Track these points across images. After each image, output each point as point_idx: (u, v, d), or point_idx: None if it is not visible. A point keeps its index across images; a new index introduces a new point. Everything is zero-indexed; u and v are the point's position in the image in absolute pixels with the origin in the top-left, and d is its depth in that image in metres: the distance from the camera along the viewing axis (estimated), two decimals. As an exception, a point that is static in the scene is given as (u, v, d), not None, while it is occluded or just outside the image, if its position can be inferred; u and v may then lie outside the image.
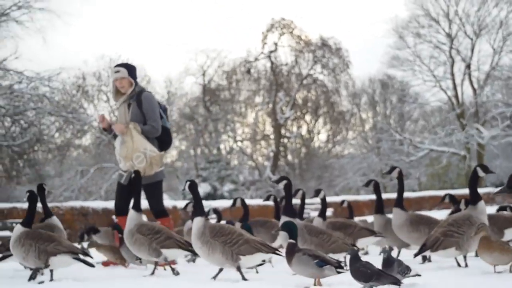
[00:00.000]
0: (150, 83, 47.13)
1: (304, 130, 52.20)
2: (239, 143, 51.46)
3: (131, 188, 8.46)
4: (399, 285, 5.42)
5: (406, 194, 35.46)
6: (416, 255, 7.33)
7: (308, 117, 52.09)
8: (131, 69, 8.80)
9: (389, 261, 5.68)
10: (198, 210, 7.00)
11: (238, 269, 6.68)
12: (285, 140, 50.60)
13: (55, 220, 8.60)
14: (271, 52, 49.06)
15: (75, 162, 43.95)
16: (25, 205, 20.96)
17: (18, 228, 7.04)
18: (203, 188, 39.92)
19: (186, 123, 49.98)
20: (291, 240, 6.10)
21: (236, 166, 47.70)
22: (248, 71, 49.20)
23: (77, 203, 26.96)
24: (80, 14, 66.25)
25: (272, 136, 50.40)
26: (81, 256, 6.88)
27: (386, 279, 5.40)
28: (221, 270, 6.86)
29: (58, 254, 6.82)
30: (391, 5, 72.02)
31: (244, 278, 6.63)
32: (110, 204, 22.79)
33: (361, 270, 5.45)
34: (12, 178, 34.23)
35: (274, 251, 6.74)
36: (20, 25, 30.24)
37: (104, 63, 44.10)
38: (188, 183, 7.22)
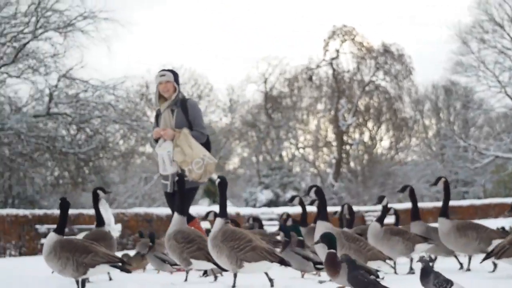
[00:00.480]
0: (212, 91, 47.63)
1: (366, 137, 51.89)
2: (301, 150, 51.49)
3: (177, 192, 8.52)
4: None
5: (472, 202, 35.07)
6: (482, 261, 7.32)
7: (370, 124, 51.78)
8: (176, 75, 8.87)
9: (426, 271, 5.37)
10: (221, 211, 7.09)
11: (235, 275, 6.79)
12: (347, 147, 50.38)
13: (105, 228, 8.96)
14: (332, 59, 48.97)
15: (139, 169, 44.64)
16: (92, 211, 21.45)
17: (52, 237, 7.00)
18: (265, 195, 40.10)
19: (248, 130, 50.22)
20: (331, 250, 5.94)
21: (298, 173, 47.76)
22: (310, 78, 49.21)
23: (141, 210, 27.46)
24: (143, 23, 67.33)
25: (334, 143, 50.22)
26: (118, 264, 6.91)
27: None
28: (235, 275, 6.90)
29: (96, 265, 6.85)
30: (454, 10, 70.97)
31: (233, 286, 6.74)
32: (173, 210, 23.02)
33: (359, 278, 5.49)
34: (78, 184, 34.91)
35: (281, 259, 6.77)
36: (86, 35, 30.87)
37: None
38: (218, 180, 7.22)
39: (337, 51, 48.94)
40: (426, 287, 5.35)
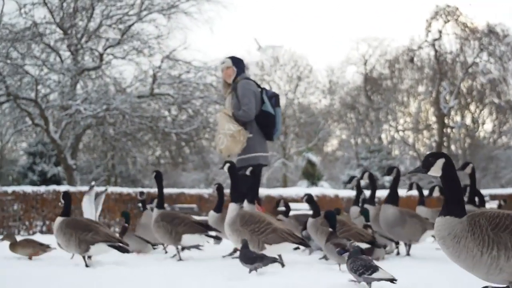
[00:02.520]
0: (312, 72, 47.47)
1: (468, 120, 50.66)
2: (401, 133, 50.75)
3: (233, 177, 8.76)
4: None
5: None
6: None
7: (472, 107, 50.49)
8: (235, 61, 9.22)
9: (349, 255, 5.47)
10: (234, 196, 7.11)
11: None
12: (449, 130, 49.30)
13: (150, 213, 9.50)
14: (435, 40, 47.83)
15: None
16: (192, 191, 21.74)
17: (58, 219, 7.61)
18: (364, 178, 39.75)
19: (347, 112, 49.87)
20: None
21: (397, 156, 47.11)
22: (411, 60, 48.28)
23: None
24: (244, 4, 67.56)
25: (435, 126, 49.24)
26: (116, 244, 7.28)
27: (268, 261, 5.95)
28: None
29: (95, 243, 7.28)
30: None
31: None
32: (272, 191, 23.21)
33: (247, 255, 6.03)
34: (178, 164, 35.62)
35: (302, 241, 6.77)
36: (189, 17, 31.37)
37: (266, 53, 44.88)
38: (228, 164, 7.33)
39: (440, 31, 47.74)
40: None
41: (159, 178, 8.25)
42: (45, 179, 30.84)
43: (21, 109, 29.03)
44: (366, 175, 9.23)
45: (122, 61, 31.93)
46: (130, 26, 30.67)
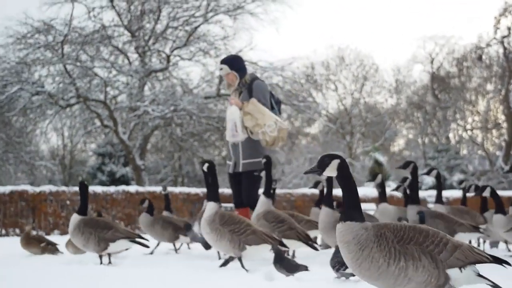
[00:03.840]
0: (378, 71, 47.07)
1: (539, 118, 49.43)
2: (469, 132, 49.85)
3: (238, 178, 8.82)
4: None
5: None
6: None
7: (543, 105, 49.25)
8: (232, 63, 9.00)
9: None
10: (211, 195, 6.97)
11: (239, 259, 6.75)
12: (518, 129, 48.22)
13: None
14: (504, 37, 46.84)
15: (304, 150, 44.99)
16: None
17: (75, 217, 7.58)
18: (432, 178, 39.19)
19: (414, 112, 49.23)
20: None
21: (465, 156, 46.30)
22: (480, 58, 47.37)
23: (308, 190, 27.65)
24: (309, 4, 67.48)
25: (504, 125, 48.22)
26: (137, 239, 7.45)
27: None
28: (230, 258, 6.98)
29: (117, 240, 7.39)
30: None
31: (243, 267, 6.68)
32: (339, 192, 23.02)
33: (290, 263, 6.04)
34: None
35: (280, 242, 6.70)
36: (255, 17, 31.43)
37: (332, 52, 44.85)
38: (206, 164, 7.15)
39: (509, 28, 46.72)
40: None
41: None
42: (113, 180, 31.35)
43: (91, 110, 29.59)
44: (434, 172, 8.89)
45: (189, 62, 32.18)
46: (196, 28, 30.92)
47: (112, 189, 20.74)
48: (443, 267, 3.92)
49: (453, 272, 3.96)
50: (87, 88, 29.44)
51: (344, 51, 46.33)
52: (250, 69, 30.67)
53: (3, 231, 18.24)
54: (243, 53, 30.80)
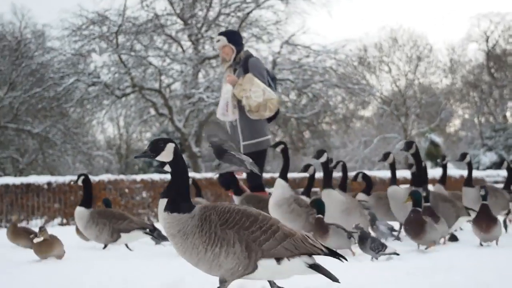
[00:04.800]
0: (432, 51, 46.45)
1: None
2: (527, 110, 48.92)
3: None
4: None
5: None
6: None
7: None
8: (231, 36, 8.78)
9: (363, 237, 5.88)
10: (283, 173, 7.15)
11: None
12: None
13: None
14: (562, 11, 45.84)
15: (359, 133, 44.73)
16: (321, 174, 21.79)
17: (83, 210, 7.64)
18: (489, 157, 38.60)
19: (470, 91, 48.46)
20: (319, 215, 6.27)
21: (524, 135, 45.46)
22: (537, 34, 46.41)
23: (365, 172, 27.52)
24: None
25: None
26: (151, 231, 7.59)
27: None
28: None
29: (132, 230, 7.52)
30: None
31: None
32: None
33: (377, 241, 5.97)
34: (299, 149, 35.66)
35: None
36: (307, 1, 31.30)
37: (385, 34, 44.44)
38: (281, 146, 7.19)
39: None
40: (364, 251, 5.87)
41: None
42: (170, 167, 31.52)
43: (146, 99, 29.85)
44: (467, 157, 8.40)
45: (242, 48, 32.16)
46: (248, 14, 30.87)
47: (169, 176, 20.88)
48: (256, 257, 3.76)
49: (269, 262, 3.80)
50: (142, 77, 29.70)
51: (397, 32, 45.86)
52: (303, 52, 30.68)
53: (64, 220, 18.57)
54: (296, 37, 30.78)
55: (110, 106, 31.55)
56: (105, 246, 7.75)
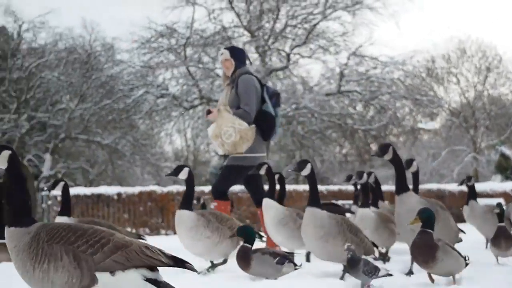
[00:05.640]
0: (501, 62, 45.53)
1: None
2: None
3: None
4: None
5: None
6: None
7: None
8: (234, 52, 8.77)
9: (354, 260, 5.22)
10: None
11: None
12: None
13: None
14: None
15: (427, 145, 44.13)
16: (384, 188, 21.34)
17: (64, 219, 7.22)
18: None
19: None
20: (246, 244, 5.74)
21: None
22: None
23: (433, 186, 27.16)
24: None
25: None
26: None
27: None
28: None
29: None
30: None
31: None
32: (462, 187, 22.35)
33: (370, 265, 5.36)
34: (365, 161, 35.42)
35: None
36: (374, 12, 31.05)
37: (453, 45, 43.65)
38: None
39: None
40: (356, 276, 5.23)
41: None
42: (238, 179, 31.65)
43: (214, 111, 30.03)
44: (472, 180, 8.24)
45: (309, 60, 32.20)
46: (315, 25, 30.84)
47: (237, 188, 20.98)
48: (90, 268, 3.55)
49: (105, 275, 3.59)
50: (210, 89, 29.91)
51: (465, 42, 45.06)
52: (370, 64, 30.50)
53: (133, 230, 18.82)
54: (363, 49, 30.61)
55: (178, 117, 31.89)
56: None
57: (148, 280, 3.65)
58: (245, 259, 5.60)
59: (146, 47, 29.51)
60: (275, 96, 8.78)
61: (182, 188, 20.34)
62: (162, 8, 33.79)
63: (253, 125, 8.32)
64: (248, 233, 5.75)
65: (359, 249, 5.91)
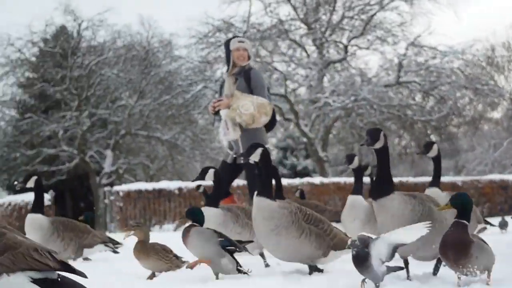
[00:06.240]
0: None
1: None
2: None
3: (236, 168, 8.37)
4: None
5: None
6: None
7: None
8: (250, 47, 8.72)
9: (360, 256, 4.28)
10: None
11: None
12: None
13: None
14: None
15: (488, 135, 43.38)
16: (446, 179, 21.14)
17: (41, 218, 6.83)
18: None
19: None
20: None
21: None
22: None
23: (496, 176, 26.69)
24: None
25: None
26: (111, 245, 7.24)
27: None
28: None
29: (95, 245, 7.10)
30: None
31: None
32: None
33: None
34: (425, 153, 34.94)
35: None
36: (432, 1, 30.73)
37: (514, 32, 42.75)
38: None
39: None
40: (365, 274, 4.29)
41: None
42: (295, 172, 31.71)
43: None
44: None
45: (366, 51, 32.06)
46: (372, 16, 30.65)
47: (297, 181, 20.95)
48: None
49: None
50: (268, 83, 29.87)
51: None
52: (429, 54, 30.14)
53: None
54: (421, 38, 30.34)
55: (236, 111, 31.99)
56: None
57: (36, 280, 3.46)
58: (185, 233, 5.21)
59: (203, 42, 29.74)
60: (268, 90, 8.77)
61: (242, 182, 20.35)
62: (219, 2, 33.98)
63: (272, 103, 8.40)
64: (195, 214, 5.39)
65: (322, 242, 5.09)
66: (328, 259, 5.21)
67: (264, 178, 5.19)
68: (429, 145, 6.19)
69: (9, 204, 21.76)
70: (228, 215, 6.15)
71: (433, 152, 6.29)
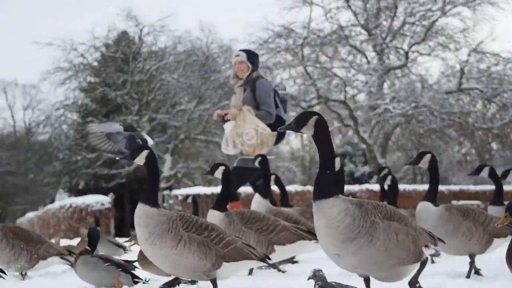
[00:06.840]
0: None
1: None
2: None
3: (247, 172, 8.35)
4: None
5: None
6: None
7: None
8: (251, 55, 8.75)
9: None
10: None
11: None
12: None
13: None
14: None
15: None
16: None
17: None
18: None
19: None
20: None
21: None
22: None
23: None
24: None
25: None
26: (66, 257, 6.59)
27: None
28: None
29: (49, 257, 6.50)
30: None
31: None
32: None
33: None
34: (486, 161, 34.43)
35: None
36: (495, 7, 30.27)
37: None
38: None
39: None
40: None
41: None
42: (353, 179, 31.57)
43: (331, 110, 29.98)
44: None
45: (428, 57, 31.78)
46: (434, 22, 30.37)
47: (356, 187, 20.82)
48: None
49: None
50: (327, 89, 29.88)
51: None
52: (492, 60, 29.65)
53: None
54: (484, 45, 29.96)
55: (295, 118, 32.01)
56: (24, 275, 6.57)
57: None
58: (75, 260, 5.30)
59: (263, 47, 29.80)
60: (283, 102, 8.90)
61: (300, 188, 20.34)
62: (279, 8, 33.99)
63: (275, 132, 8.31)
64: (91, 237, 5.46)
65: (208, 252, 4.48)
66: (223, 272, 4.61)
67: (150, 183, 4.69)
68: (420, 155, 5.50)
69: (70, 206, 22.23)
70: (225, 220, 5.81)
71: (423, 163, 5.55)
